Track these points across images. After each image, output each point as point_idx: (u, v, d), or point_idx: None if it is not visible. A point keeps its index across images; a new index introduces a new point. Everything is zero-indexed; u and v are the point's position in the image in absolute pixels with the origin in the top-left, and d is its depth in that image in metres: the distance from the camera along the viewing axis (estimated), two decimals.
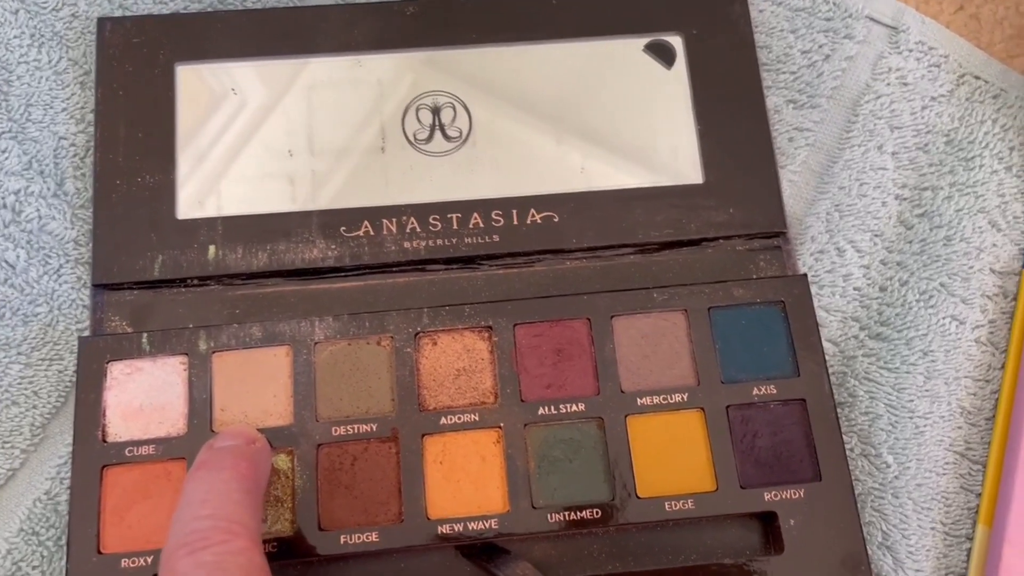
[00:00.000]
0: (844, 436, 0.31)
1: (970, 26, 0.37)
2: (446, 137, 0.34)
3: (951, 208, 0.34)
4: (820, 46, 0.36)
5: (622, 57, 0.35)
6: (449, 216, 0.33)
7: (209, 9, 0.35)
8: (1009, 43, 0.37)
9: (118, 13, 0.35)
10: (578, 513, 0.29)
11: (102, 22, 0.34)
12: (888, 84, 0.35)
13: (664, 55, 0.35)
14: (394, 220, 0.32)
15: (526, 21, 0.35)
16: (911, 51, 0.36)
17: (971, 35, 0.37)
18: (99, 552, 0.28)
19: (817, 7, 0.36)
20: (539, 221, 0.33)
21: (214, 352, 0.30)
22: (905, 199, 0.34)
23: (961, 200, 0.34)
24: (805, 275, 0.32)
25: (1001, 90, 0.36)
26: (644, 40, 0.35)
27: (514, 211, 0.33)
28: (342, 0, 0.36)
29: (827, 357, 0.32)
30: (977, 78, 0.36)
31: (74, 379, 0.31)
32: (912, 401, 0.32)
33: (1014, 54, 0.37)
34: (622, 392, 0.30)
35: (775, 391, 0.30)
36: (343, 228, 0.32)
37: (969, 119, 0.35)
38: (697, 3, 0.35)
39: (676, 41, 0.35)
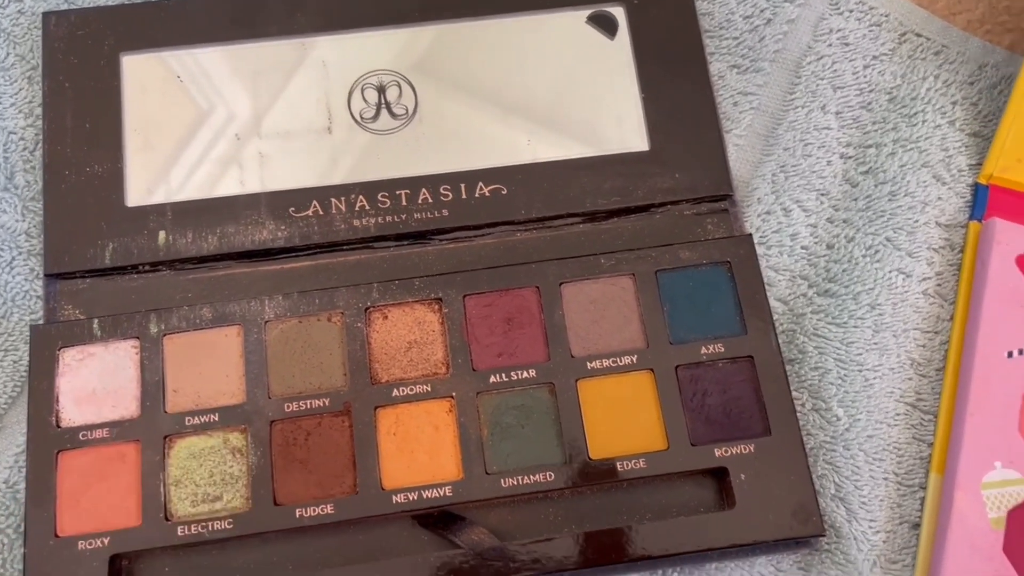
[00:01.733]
0: (794, 392, 0.32)
1: None
2: (392, 115, 0.34)
3: (895, 164, 0.34)
4: (761, 10, 0.36)
5: (565, 29, 0.35)
6: (398, 193, 0.33)
7: None
8: (951, 0, 0.38)
9: (64, 7, 0.36)
10: (531, 477, 0.29)
11: (47, 16, 0.34)
12: (830, 45, 0.36)
13: (607, 26, 0.35)
14: (343, 199, 0.33)
15: None
16: (851, 11, 0.36)
17: None
18: (56, 535, 0.28)
19: None
20: (487, 194, 0.33)
21: (165, 335, 0.30)
22: (850, 157, 0.35)
23: (905, 156, 0.34)
24: (750, 235, 0.32)
25: (943, 46, 0.36)
26: (586, 12, 0.35)
27: (462, 185, 0.33)
28: None
29: (776, 315, 0.33)
30: (918, 35, 0.36)
31: (28, 368, 0.31)
32: (861, 355, 0.32)
33: (956, 11, 0.38)
34: (572, 357, 0.31)
35: (723, 349, 0.31)
36: (292, 209, 0.32)
37: (911, 76, 0.36)
38: None
39: (618, 11, 0.35)
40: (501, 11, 0.35)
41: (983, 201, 0.34)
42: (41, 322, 0.32)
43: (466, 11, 0.35)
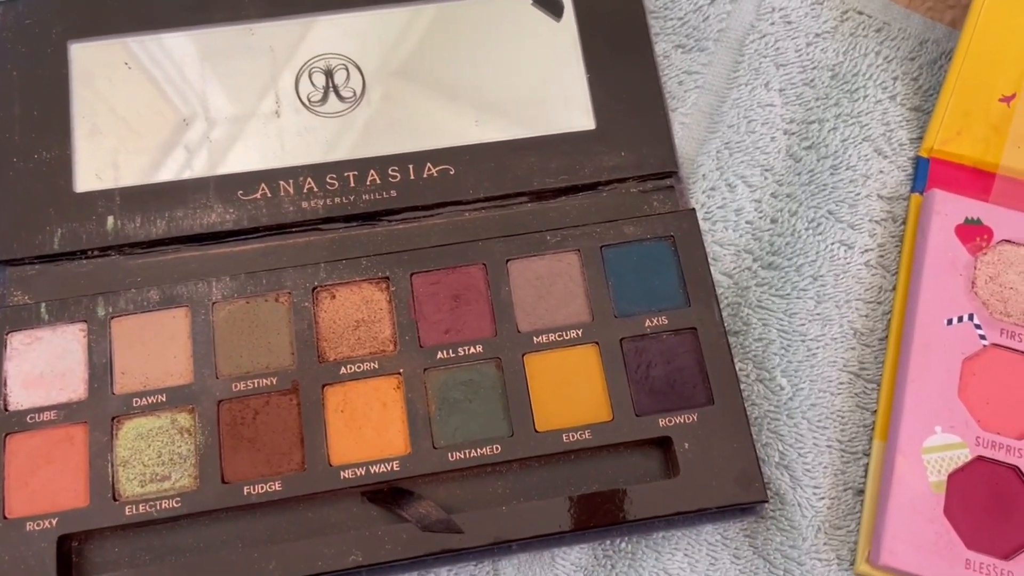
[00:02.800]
0: (739, 363, 0.32)
1: None
2: (340, 98, 0.34)
3: (837, 138, 0.35)
4: None
5: (512, 11, 0.36)
6: (346, 175, 0.33)
7: None
8: None
9: None
10: (478, 450, 0.29)
11: None
12: (772, 23, 0.36)
13: (553, 8, 0.36)
14: (291, 181, 0.33)
15: None
16: None
17: None
18: (4, 517, 0.28)
19: None
20: (436, 174, 0.33)
21: (113, 317, 0.30)
22: (793, 133, 0.35)
23: (846, 130, 0.35)
24: (693, 210, 0.33)
25: (884, 23, 0.37)
26: None
27: (410, 166, 0.33)
28: None
29: (722, 289, 0.33)
30: (860, 13, 0.37)
31: None
32: (803, 325, 0.33)
33: None
34: (519, 332, 0.31)
35: (667, 322, 0.31)
36: (240, 192, 0.33)
37: (853, 52, 0.36)
38: None
39: None
40: None
41: (924, 174, 0.35)
42: None
43: None
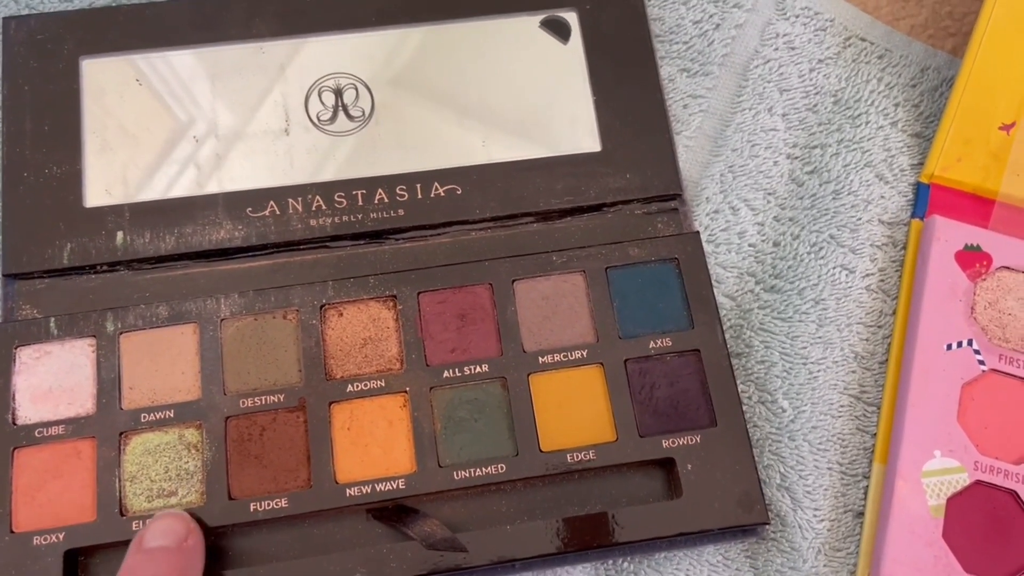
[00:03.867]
0: (741, 384, 0.33)
1: None
2: (349, 117, 0.35)
3: (839, 164, 0.35)
4: (710, 16, 0.37)
5: (519, 34, 0.36)
6: (354, 193, 0.34)
7: (113, 4, 0.36)
8: (895, 5, 0.39)
9: (24, 12, 0.36)
10: (483, 469, 0.30)
11: (7, 21, 0.35)
12: (776, 49, 0.37)
13: (560, 30, 0.36)
14: (299, 199, 0.33)
15: (425, 3, 0.36)
16: (797, 16, 0.37)
17: (858, 0, 0.39)
18: (11, 531, 0.28)
19: None
20: (443, 194, 0.34)
21: (122, 333, 0.31)
22: (796, 157, 0.36)
23: (848, 156, 0.35)
24: (697, 232, 0.33)
25: (886, 50, 0.37)
26: (540, 17, 0.36)
27: (418, 185, 0.34)
28: None
29: (724, 311, 0.34)
30: (863, 40, 0.37)
31: None
32: (805, 348, 0.33)
33: (900, 16, 0.39)
34: (524, 352, 0.31)
35: (671, 343, 0.31)
36: (249, 209, 0.33)
37: (855, 79, 0.37)
38: None
39: (571, 17, 0.36)
40: (456, 16, 0.36)
41: (924, 199, 0.35)
42: None
43: (422, 16, 0.36)
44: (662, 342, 0.31)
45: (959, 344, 0.33)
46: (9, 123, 0.33)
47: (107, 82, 0.34)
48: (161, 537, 0.26)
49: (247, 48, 0.35)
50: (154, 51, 0.35)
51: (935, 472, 0.31)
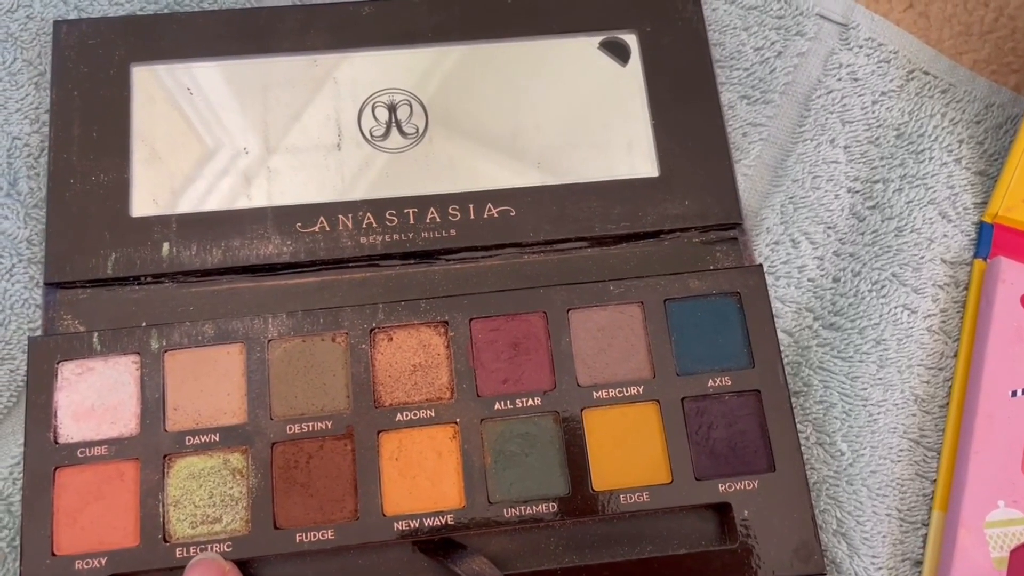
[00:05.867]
0: (799, 425, 0.32)
1: (919, 23, 0.38)
2: (402, 134, 0.34)
3: (902, 200, 0.34)
4: (772, 43, 0.36)
5: (578, 55, 0.35)
6: (406, 211, 0.33)
7: (165, 11, 0.35)
8: (957, 40, 0.38)
9: (73, 15, 0.35)
10: (534, 507, 0.29)
11: (58, 24, 0.34)
12: (839, 79, 0.36)
13: (619, 52, 0.35)
14: (350, 216, 0.32)
15: (482, 20, 0.35)
16: (861, 47, 0.36)
17: (920, 32, 0.38)
18: (53, 554, 0.27)
19: (769, 5, 0.37)
20: (496, 215, 0.33)
21: (166, 351, 0.30)
22: (857, 191, 0.35)
23: (911, 192, 0.35)
24: (760, 266, 0.32)
25: (950, 85, 0.36)
26: (599, 38, 0.35)
27: (471, 206, 0.33)
28: (299, 1, 0.36)
29: (782, 347, 0.33)
30: (926, 73, 0.37)
31: (26, 379, 0.30)
32: (865, 389, 0.32)
33: (962, 50, 0.38)
34: (578, 386, 0.30)
35: (730, 383, 0.30)
36: (298, 224, 0.32)
37: (919, 113, 0.36)
38: (651, 2, 0.35)
39: (631, 39, 0.35)
40: (514, 35, 0.35)
41: (988, 239, 0.34)
42: (39, 332, 0.31)
43: (479, 34, 0.35)
44: (721, 380, 0.30)
45: None
46: (57, 128, 0.33)
47: (157, 90, 0.33)
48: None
49: (300, 60, 0.34)
50: (206, 60, 0.34)
51: (998, 523, 0.30)
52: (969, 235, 0.35)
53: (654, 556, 0.29)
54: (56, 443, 0.29)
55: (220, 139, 0.33)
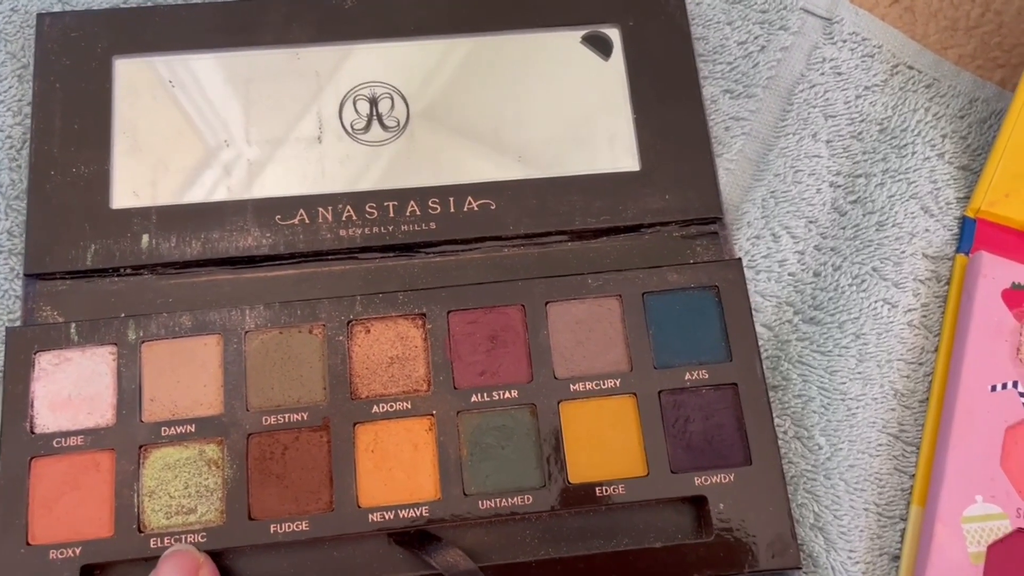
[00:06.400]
0: (777, 419, 0.32)
1: (905, 18, 0.38)
2: (383, 127, 0.34)
3: (884, 194, 0.34)
4: (756, 37, 0.36)
5: (560, 49, 0.35)
6: (386, 204, 0.33)
7: (148, 3, 0.36)
8: (943, 34, 0.38)
9: (57, 7, 0.35)
10: (509, 500, 0.29)
11: (41, 17, 0.34)
12: (822, 74, 0.36)
13: (601, 46, 0.35)
14: (330, 208, 0.32)
15: (464, 14, 0.35)
16: (845, 41, 0.36)
17: (906, 27, 0.38)
18: (27, 544, 0.28)
19: None
20: (476, 208, 0.33)
21: (143, 342, 0.30)
22: (839, 186, 0.35)
23: (893, 186, 0.34)
24: (739, 260, 0.32)
25: (934, 79, 0.36)
26: (581, 32, 0.35)
27: (451, 199, 0.33)
28: None
29: (762, 341, 0.33)
30: (910, 68, 0.36)
31: (2, 369, 0.30)
32: (844, 383, 0.32)
33: (948, 45, 0.38)
34: (555, 378, 0.30)
35: (707, 376, 0.30)
36: (278, 216, 0.32)
37: (902, 108, 0.36)
38: None
39: (613, 33, 0.35)
40: (496, 29, 0.35)
41: (970, 234, 0.34)
42: (19, 322, 0.31)
43: (462, 28, 0.35)
44: (698, 374, 0.30)
45: (1004, 386, 0.32)
46: (39, 120, 0.33)
47: (139, 83, 0.33)
48: (173, 570, 0.26)
49: (283, 53, 0.34)
50: (188, 53, 0.34)
51: (976, 518, 0.30)
52: (951, 230, 0.35)
53: (630, 549, 0.29)
54: (32, 433, 0.29)
55: (201, 132, 0.33)
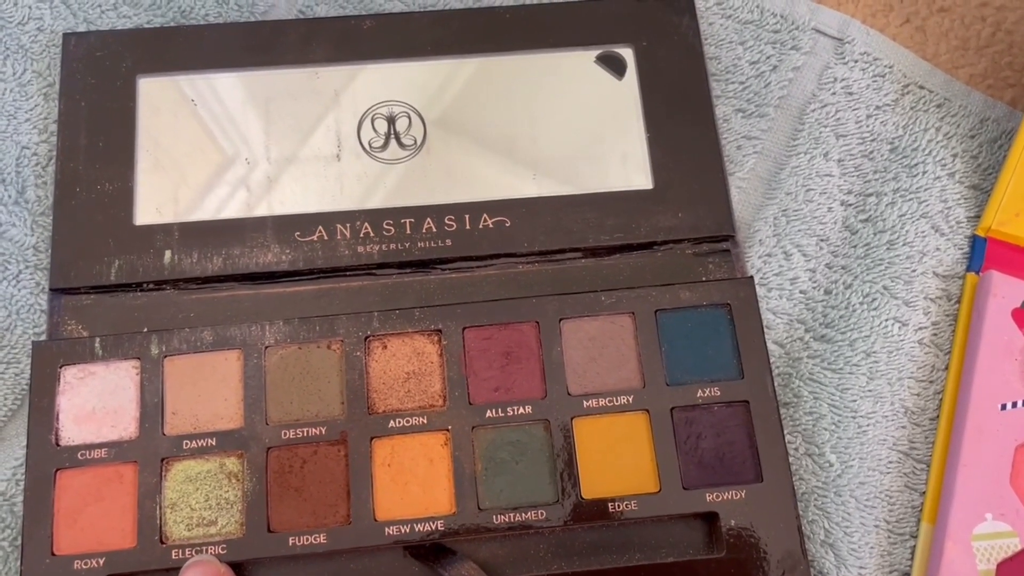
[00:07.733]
0: (788, 436, 0.32)
1: (916, 38, 0.38)
2: (401, 145, 0.34)
3: (895, 213, 0.35)
4: (768, 57, 0.37)
5: (574, 68, 0.36)
6: (403, 221, 0.33)
7: (171, 24, 0.36)
8: (954, 54, 0.38)
9: (82, 27, 0.36)
10: (523, 514, 0.29)
11: (67, 37, 0.35)
12: (834, 93, 0.36)
13: (615, 66, 0.36)
14: (348, 225, 0.33)
15: (481, 35, 0.36)
16: (856, 61, 0.37)
17: (917, 47, 0.38)
18: (52, 554, 0.28)
19: (765, 20, 0.37)
20: (491, 226, 0.33)
21: (166, 356, 0.31)
22: (850, 205, 0.35)
23: (904, 205, 0.35)
24: (751, 277, 0.33)
25: (945, 99, 0.37)
26: (596, 52, 0.36)
27: (467, 216, 0.34)
28: (302, 15, 0.37)
29: (773, 358, 0.33)
30: (921, 87, 0.37)
31: (29, 383, 0.31)
32: (855, 401, 0.32)
33: (958, 65, 0.38)
34: (569, 395, 0.31)
35: (719, 393, 0.31)
36: (297, 233, 0.33)
37: (913, 127, 0.36)
38: (648, 16, 0.36)
39: (627, 53, 0.36)
40: (512, 49, 0.35)
41: (981, 253, 0.35)
42: (44, 336, 0.32)
43: (477, 47, 0.35)
44: (710, 391, 0.31)
45: (1014, 404, 0.32)
46: (64, 138, 0.33)
47: (162, 101, 0.34)
48: None
49: (302, 73, 0.35)
50: (210, 72, 0.35)
51: (985, 536, 0.30)
52: (962, 249, 0.35)
53: (642, 564, 0.29)
54: (57, 445, 0.29)
55: (222, 150, 0.34)
